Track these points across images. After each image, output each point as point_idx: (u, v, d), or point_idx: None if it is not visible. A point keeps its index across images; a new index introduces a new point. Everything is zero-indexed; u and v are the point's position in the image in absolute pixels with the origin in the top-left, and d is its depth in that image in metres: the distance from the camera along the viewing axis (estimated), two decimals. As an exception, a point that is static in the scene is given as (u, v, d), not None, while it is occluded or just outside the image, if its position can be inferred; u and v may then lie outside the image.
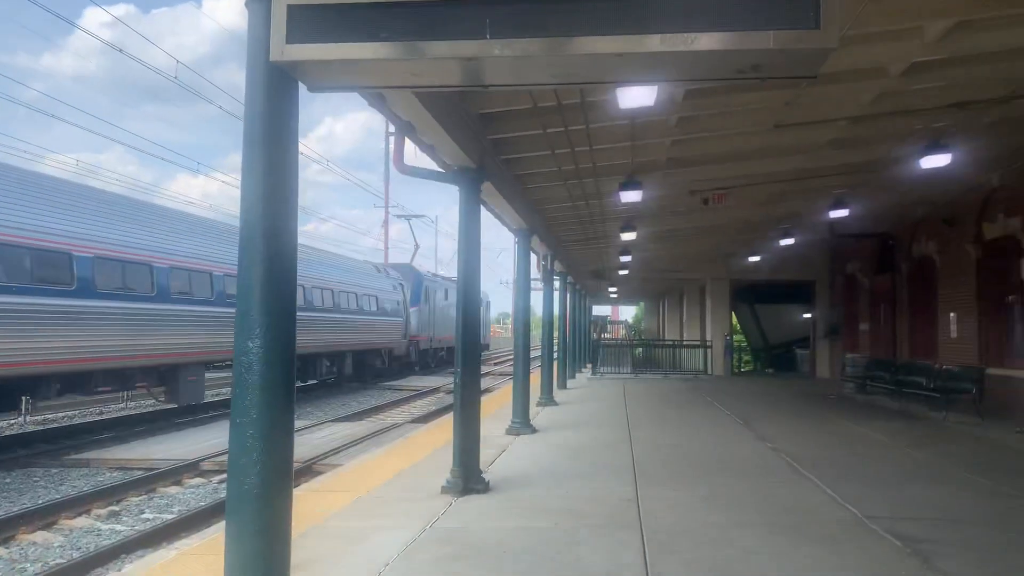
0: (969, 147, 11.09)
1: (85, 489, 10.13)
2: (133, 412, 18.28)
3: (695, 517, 6.40)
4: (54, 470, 11.70)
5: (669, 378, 24.68)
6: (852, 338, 22.58)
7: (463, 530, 6.05)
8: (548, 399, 15.78)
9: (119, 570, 6.76)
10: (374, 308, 27.57)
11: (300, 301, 17.44)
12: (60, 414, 18.21)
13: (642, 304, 64.63)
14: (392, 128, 6.88)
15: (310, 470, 11.10)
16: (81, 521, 8.85)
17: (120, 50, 16.65)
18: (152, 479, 10.66)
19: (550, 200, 13.13)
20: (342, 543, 5.68)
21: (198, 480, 11.11)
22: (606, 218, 15.48)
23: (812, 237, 20.18)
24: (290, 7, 3.02)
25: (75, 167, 32.95)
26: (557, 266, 17.87)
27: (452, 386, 8.30)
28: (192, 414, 17.56)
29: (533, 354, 19.26)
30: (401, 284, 31.46)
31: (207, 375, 17.52)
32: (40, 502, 9.42)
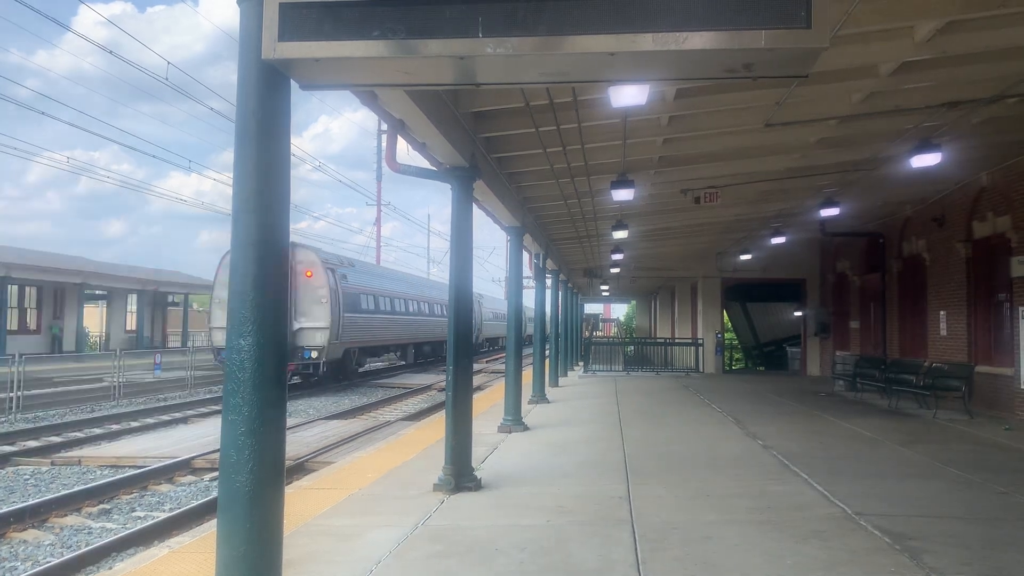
0: (959, 146, 11.16)
1: (76, 487, 10.08)
2: (125, 410, 18.21)
3: (686, 514, 6.43)
4: (44, 468, 11.66)
5: (660, 376, 24.74)
6: (842, 336, 22.67)
7: (455, 528, 6.06)
8: (540, 396, 15.81)
9: (110, 568, 6.74)
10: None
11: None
12: (52, 412, 18.13)
13: (634, 302, 64.73)
14: (384, 126, 6.88)
15: (302, 468, 11.09)
16: (72, 519, 8.82)
17: (110, 51, 16.58)
18: (143, 477, 10.63)
19: (542, 198, 13.15)
20: (334, 541, 5.69)
21: (190, 478, 11.09)
22: (598, 216, 15.51)
23: (803, 235, 20.27)
24: (282, 5, 3.01)
25: (66, 164, 32.94)
26: (549, 264, 17.88)
27: (444, 383, 8.31)
28: (182, 411, 17.51)
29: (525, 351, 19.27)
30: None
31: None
32: (31, 500, 9.38)
